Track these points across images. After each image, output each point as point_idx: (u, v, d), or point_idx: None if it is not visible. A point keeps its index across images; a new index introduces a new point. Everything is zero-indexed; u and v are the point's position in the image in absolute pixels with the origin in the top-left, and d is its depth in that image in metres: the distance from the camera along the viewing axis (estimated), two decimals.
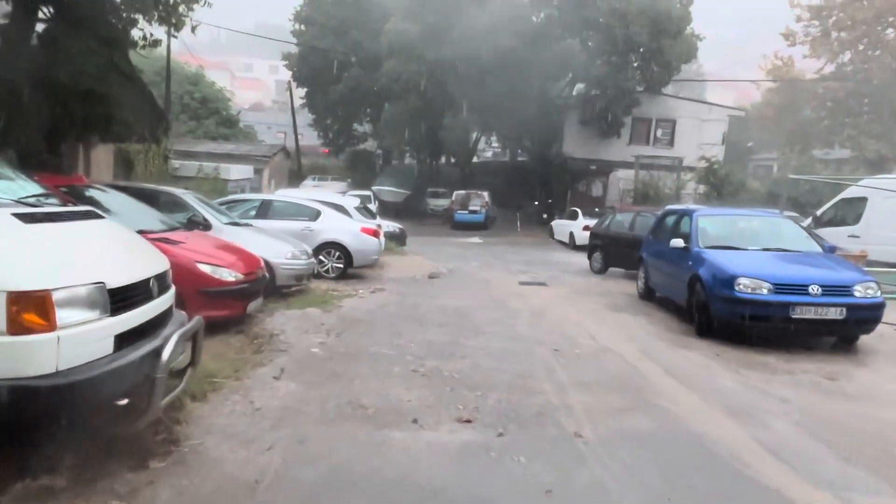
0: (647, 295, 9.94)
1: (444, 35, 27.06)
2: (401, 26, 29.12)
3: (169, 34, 23.91)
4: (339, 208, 13.14)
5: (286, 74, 41.79)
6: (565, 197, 31.69)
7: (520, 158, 44.64)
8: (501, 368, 5.63)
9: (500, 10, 26.67)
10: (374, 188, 32.16)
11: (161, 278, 3.63)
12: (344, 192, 31.85)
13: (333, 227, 11.40)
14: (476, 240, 24.46)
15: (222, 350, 5.58)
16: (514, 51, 26.62)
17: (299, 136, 56.14)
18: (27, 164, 6.42)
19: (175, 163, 18.44)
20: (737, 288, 6.81)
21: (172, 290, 3.85)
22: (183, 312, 4.00)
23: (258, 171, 29.51)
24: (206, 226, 8.16)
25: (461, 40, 26.54)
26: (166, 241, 5.70)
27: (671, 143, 33.16)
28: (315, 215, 11.45)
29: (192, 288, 5.45)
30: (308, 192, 14.97)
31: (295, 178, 36.63)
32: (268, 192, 30.84)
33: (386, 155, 43.01)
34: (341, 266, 11.33)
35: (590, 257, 14.55)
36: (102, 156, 13.73)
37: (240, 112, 39.92)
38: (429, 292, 10.25)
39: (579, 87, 33.02)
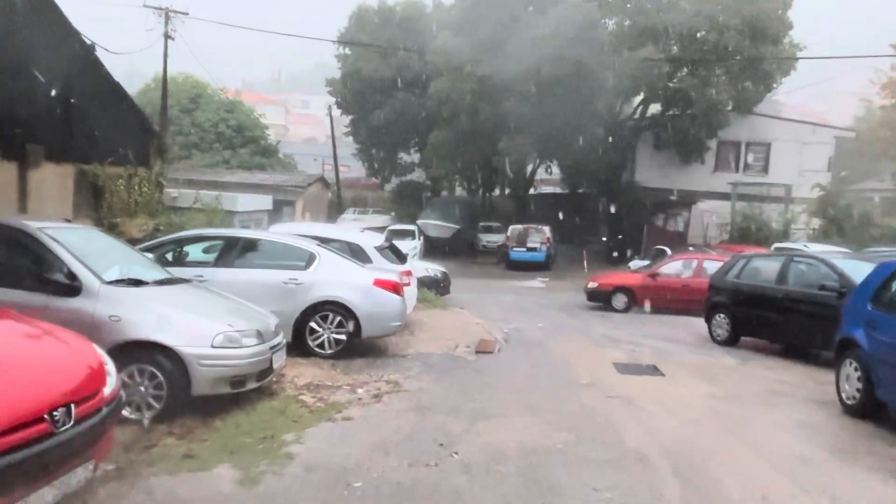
0: (873, 411, 5.53)
1: (498, 48, 23.54)
2: (451, 42, 25.82)
3: (166, 38, 21.91)
4: (352, 248, 9.41)
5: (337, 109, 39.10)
6: (639, 232, 27.17)
7: (580, 190, 40.46)
8: None
9: (564, 16, 22.93)
10: (419, 222, 28.63)
11: None
12: (383, 227, 28.53)
13: (333, 278, 7.60)
14: (537, 283, 20.32)
15: None
16: (580, 64, 22.79)
17: (345, 168, 54.20)
18: None
19: (173, 191, 15.25)
20: None
21: None
22: None
23: (289, 203, 26.54)
24: (70, 287, 4.50)
25: (518, 53, 22.95)
26: None
27: (765, 169, 28.27)
28: (307, 260, 7.67)
29: None
30: (317, 227, 11.24)
31: (335, 210, 33.64)
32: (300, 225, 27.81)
33: (434, 186, 39.57)
34: (343, 337, 7.47)
35: (708, 319, 10.17)
36: (53, 179, 10.52)
37: (279, 142, 37.42)
38: (474, 395, 6.16)
39: (654, 107, 28.68)
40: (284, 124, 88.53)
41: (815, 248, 19.14)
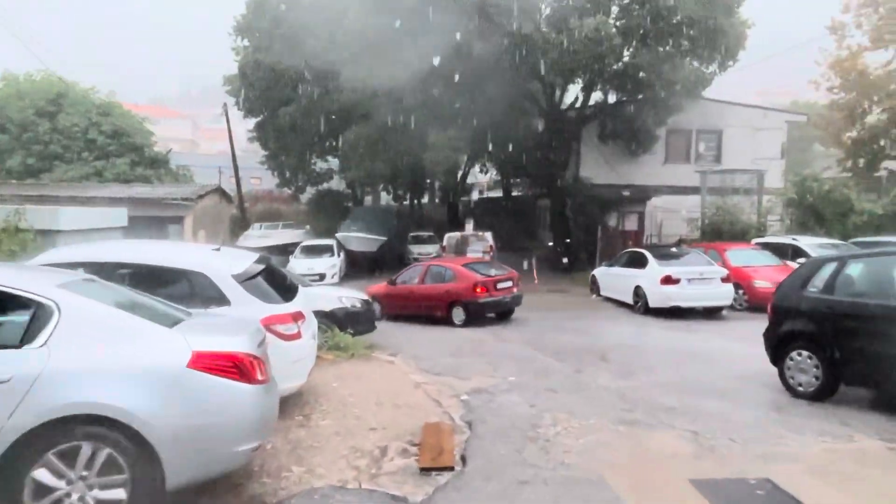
0: None
1: (424, 28, 19.71)
2: (365, 21, 21.73)
3: None
4: (192, 283, 5.23)
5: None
6: (590, 234, 23.95)
7: (514, 193, 37.26)
8: None
9: None
10: (339, 235, 24.28)
11: None
12: (294, 244, 23.95)
13: (91, 360, 3.34)
14: None
15: None
16: (514, 38, 19.31)
17: (256, 180, 48.76)
18: None
19: None
20: None
21: None
22: None
23: (176, 220, 21.55)
24: None
25: (445, 34, 19.21)
26: None
27: (717, 158, 25.88)
28: (29, 322, 3.37)
29: None
30: (133, 249, 6.67)
31: (239, 226, 28.64)
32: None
33: (356, 195, 35.20)
34: (120, 497, 3.21)
35: (779, 358, 6.51)
36: None
37: (170, 150, 31.94)
38: None
39: (597, 95, 25.67)
40: (192, 139, 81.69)
41: (806, 241, 16.54)
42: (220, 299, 5.55)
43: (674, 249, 15.15)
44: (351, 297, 10.20)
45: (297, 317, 5.94)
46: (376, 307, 12.39)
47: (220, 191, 26.81)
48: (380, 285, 14.47)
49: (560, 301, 16.44)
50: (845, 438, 5.02)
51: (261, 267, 6.14)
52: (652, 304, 13.25)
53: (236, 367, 3.58)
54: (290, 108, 27.30)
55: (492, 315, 12.90)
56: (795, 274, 6.69)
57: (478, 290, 12.39)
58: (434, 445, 5.02)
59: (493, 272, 13.25)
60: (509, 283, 13.19)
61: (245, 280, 5.76)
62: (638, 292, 13.75)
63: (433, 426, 5.48)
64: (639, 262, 14.22)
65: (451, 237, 21.44)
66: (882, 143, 26.67)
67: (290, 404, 5.94)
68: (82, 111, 27.00)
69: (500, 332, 11.59)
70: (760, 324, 12.72)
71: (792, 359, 6.32)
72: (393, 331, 11.73)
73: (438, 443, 5.07)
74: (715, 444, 4.92)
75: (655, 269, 13.38)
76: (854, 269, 5.98)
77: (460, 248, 20.85)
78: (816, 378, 6.07)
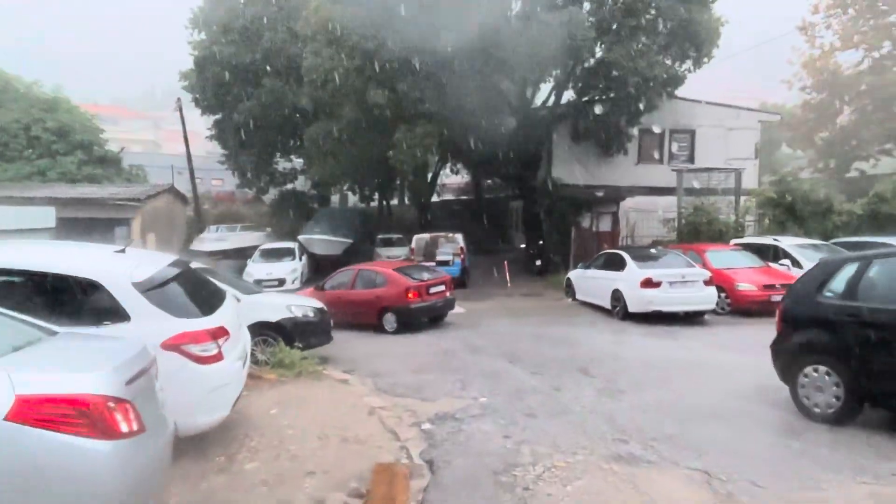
0: None
1: (389, 19, 18.67)
2: (329, 10, 20.54)
3: None
4: (84, 289, 4.16)
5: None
6: (564, 236, 23.18)
7: (487, 196, 36.41)
8: None
9: None
10: (301, 238, 23.06)
11: None
12: (253, 247, 22.62)
13: None
14: (455, 308, 15.39)
15: None
16: (486, 32, 18.39)
17: (218, 181, 46.96)
18: None
19: None
20: None
21: None
22: None
23: (122, 222, 20.07)
24: None
25: (413, 25, 18.20)
26: None
27: (690, 158, 25.33)
28: None
29: None
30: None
31: (194, 228, 27.09)
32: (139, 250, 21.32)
33: (322, 196, 33.86)
34: None
35: (792, 376, 5.61)
36: None
37: (122, 149, 30.17)
38: None
39: (569, 94, 24.93)
40: (154, 139, 79.00)
41: (788, 242, 15.96)
42: (117, 313, 4.42)
43: (653, 251, 14.34)
44: (302, 305, 9.07)
45: (218, 333, 4.82)
46: None
47: (173, 191, 25.22)
48: (307, 290, 13.55)
49: (534, 306, 15.51)
50: (890, 478, 4.12)
51: (174, 272, 5.00)
52: (631, 308, 12.40)
53: (83, 417, 2.47)
54: (249, 104, 25.91)
55: (424, 320, 12.25)
56: (808, 276, 5.80)
57: (410, 295, 11.84)
58: (384, 497, 3.98)
59: (425, 276, 12.77)
60: (441, 287, 12.77)
61: (151, 289, 4.62)
62: (616, 296, 12.89)
63: (385, 469, 4.43)
64: (616, 264, 13.37)
65: (419, 239, 20.38)
66: (854, 143, 26.63)
67: (210, 442, 4.83)
68: (25, 107, 25.16)
69: (471, 340, 10.57)
70: (746, 329, 12.07)
71: (807, 375, 5.43)
72: (352, 341, 10.64)
73: (391, 493, 4.03)
74: (733, 488, 3.98)
75: (635, 271, 12.54)
76: (880, 270, 5.11)
77: (429, 250, 19.80)
78: (837, 398, 5.20)
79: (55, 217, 12.55)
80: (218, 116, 30.34)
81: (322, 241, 22.74)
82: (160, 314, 4.56)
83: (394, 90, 20.43)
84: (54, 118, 25.56)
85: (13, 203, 14.49)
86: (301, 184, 34.49)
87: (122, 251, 5.13)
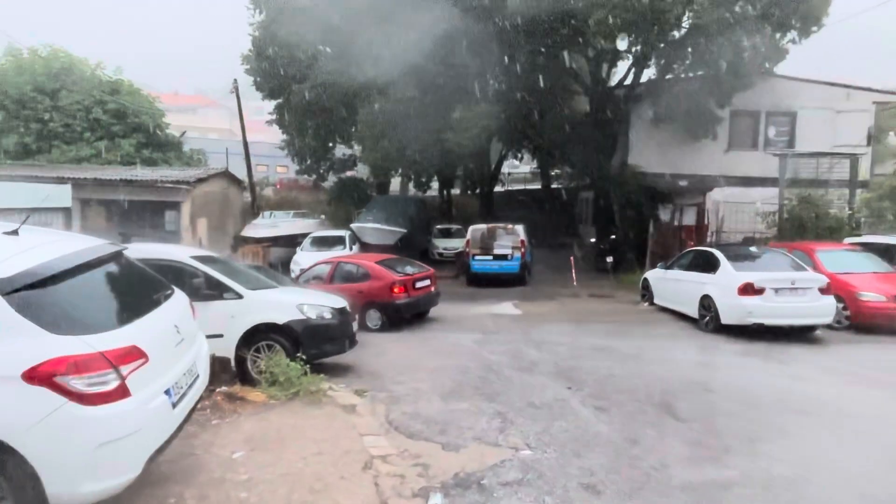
0: None
1: None
2: None
3: None
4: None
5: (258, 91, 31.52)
6: (640, 230, 20.79)
7: (555, 185, 34.12)
8: None
9: None
10: (354, 226, 21.83)
11: None
12: (303, 234, 21.57)
13: None
14: (508, 308, 13.57)
15: None
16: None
17: (283, 168, 46.84)
18: None
19: None
20: None
21: None
22: None
23: (172, 206, 19.44)
24: None
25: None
26: None
27: (790, 144, 22.24)
28: None
29: None
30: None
31: (249, 214, 26.41)
32: (190, 237, 20.63)
33: (381, 183, 32.59)
34: None
35: None
36: None
37: (184, 133, 29.97)
38: None
39: (650, 72, 22.34)
40: (230, 128, 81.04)
41: None
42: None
43: (752, 249, 11.88)
44: (317, 304, 7.48)
45: (124, 357, 3.24)
46: None
47: (228, 175, 24.54)
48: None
49: (603, 310, 13.39)
50: None
51: (73, 263, 3.46)
52: (725, 319, 10.14)
53: None
54: (306, 85, 24.83)
55: (407, 317, 11.36)
56: None
57: (395, 290, 11.10)
58: None
59: (409, 270, 12.04)
60: (427, 282, 12.10)
61: (18, 290, 3.09)
62: (706, 304, 10.63)
63: None
64: (707, 264, 11.08)
65: (475, 230, 18.56)
66: None
67: None
68: (87, 89, 25.14)
69: (523, 351, 8.70)
70: (873, 351, 9.45)
71: None
72: (384, 344, 9.03)
73: None
74: None
75: (731, 274, 10.25)
76: None
77: (486, 243, 17.97)
78: None
79: (70, 196, 11.57)
80: (279, 101, 29.64)
81: (375, 229, 21.38)
82: (27, 328, 3.03)
83: (452, 65, 18.69)
84: (115, 101, 25.43)
85: (40, 182, 13.78)
86: (360, 171, 33.42)
87: (15, 233, 3.65)
